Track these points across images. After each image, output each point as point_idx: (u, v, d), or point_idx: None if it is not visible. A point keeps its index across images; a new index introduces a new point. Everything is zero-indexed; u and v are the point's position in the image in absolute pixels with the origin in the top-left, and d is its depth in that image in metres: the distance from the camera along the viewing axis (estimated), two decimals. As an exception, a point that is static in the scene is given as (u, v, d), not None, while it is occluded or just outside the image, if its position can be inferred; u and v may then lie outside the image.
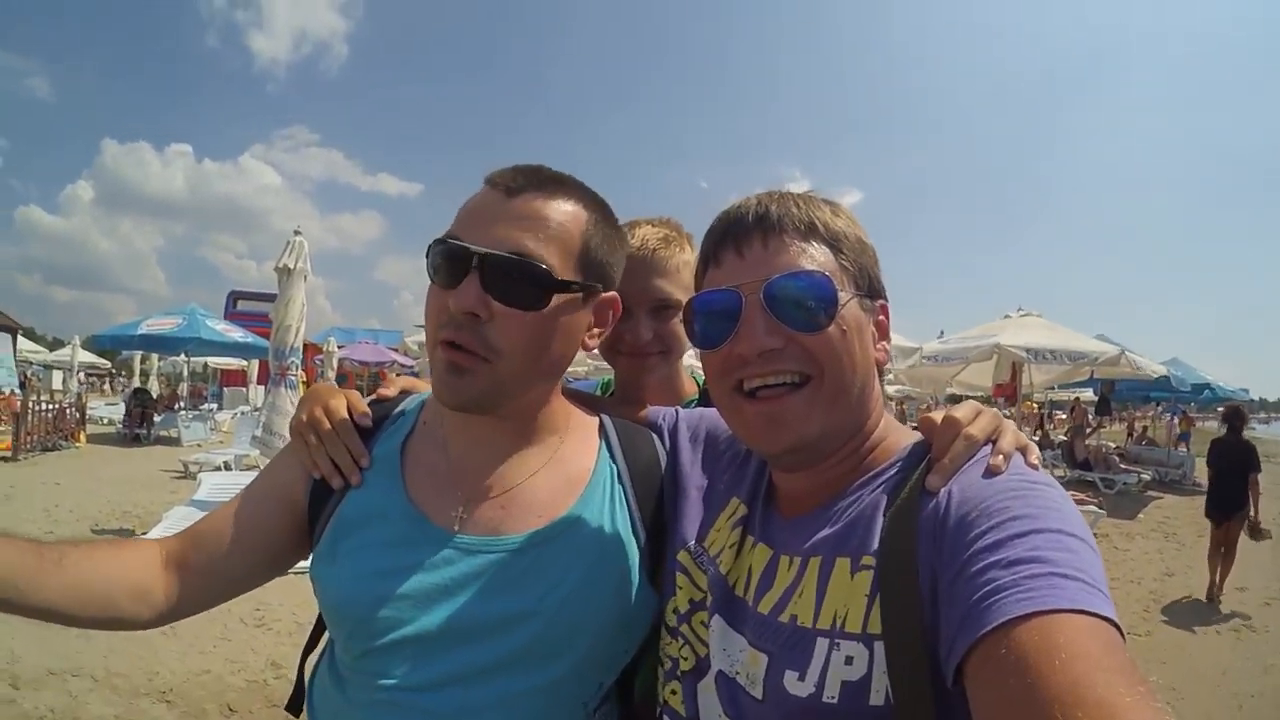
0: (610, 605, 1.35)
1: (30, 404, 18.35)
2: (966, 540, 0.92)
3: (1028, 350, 13.84)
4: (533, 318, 1.27)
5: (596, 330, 1.44)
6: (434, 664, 1.26)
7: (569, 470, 1.44)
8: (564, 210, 1.32)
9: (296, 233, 11.00)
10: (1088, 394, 29.59)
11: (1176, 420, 28.59)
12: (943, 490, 1.02)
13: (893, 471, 1.14)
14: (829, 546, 1.12)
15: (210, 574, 1.38)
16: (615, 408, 1.67)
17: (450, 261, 1.26)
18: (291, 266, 10.66)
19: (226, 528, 1.39)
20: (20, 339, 29.12)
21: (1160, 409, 32.28)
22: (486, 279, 1.24)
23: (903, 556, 0.99)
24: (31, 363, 36.27)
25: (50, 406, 19.39)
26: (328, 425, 1.45)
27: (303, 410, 1.50)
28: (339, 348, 26.06)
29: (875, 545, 1.05)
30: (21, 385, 25.77)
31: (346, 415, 1.47)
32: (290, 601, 7.58)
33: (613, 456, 1.50)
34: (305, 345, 11.45)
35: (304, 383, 11.90)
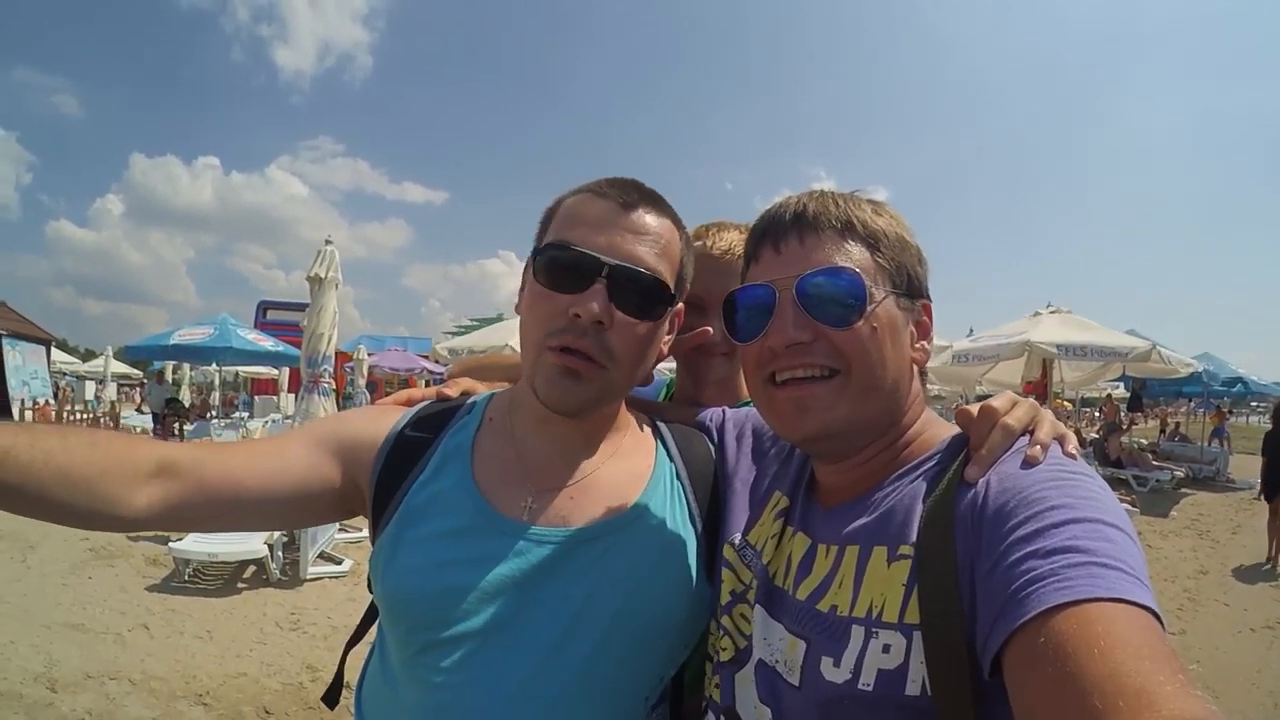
0: (675, 597, 1.37)
1: (64, 414, 18.57)
2: (1004, 530, 0.93)
3: (1058, 347, 13.70)
4: (646, 328, 1.34)
5: (668, 337, 1.49)
6: (499, 656, 1.26)
7: (632, 466, 1.47)
8: (669, 227, 1.39)
9: (328, 242, 11.04)
10: (1120, 391, 29.28)
11: (1208, 415, 28.18)
12: (980, 481, 1.03)
13: (931, 463, 1.15)
14: (866, 535, 1.13)
15: (215, 490, 1.27)
16: (668, 411, 1.72)
17: (574, 269, 1.30)
18: (323, 275, 10.72)
19: (261, 453, 1.33)
20: (54, 350, 29.37)
21: (1193, 404, 31.85)
22: (613, 289, 1.29)
23: (940, 547, 1.00)
24: (65, 374, 36.62)
25: (85, 417, 19.58)
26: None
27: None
28: (369, 355, 26.19)
29: (913, 535, 1.06)
30: (55, 396, 26.04)
31: None
32: (325, 605, 7.71)
33: (670, 455, 1.53)
34: (336, 353, 11.49)
35: (335, 391, 11.96)
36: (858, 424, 1.19)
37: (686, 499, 1.48)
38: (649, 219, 1.35)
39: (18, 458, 1.08)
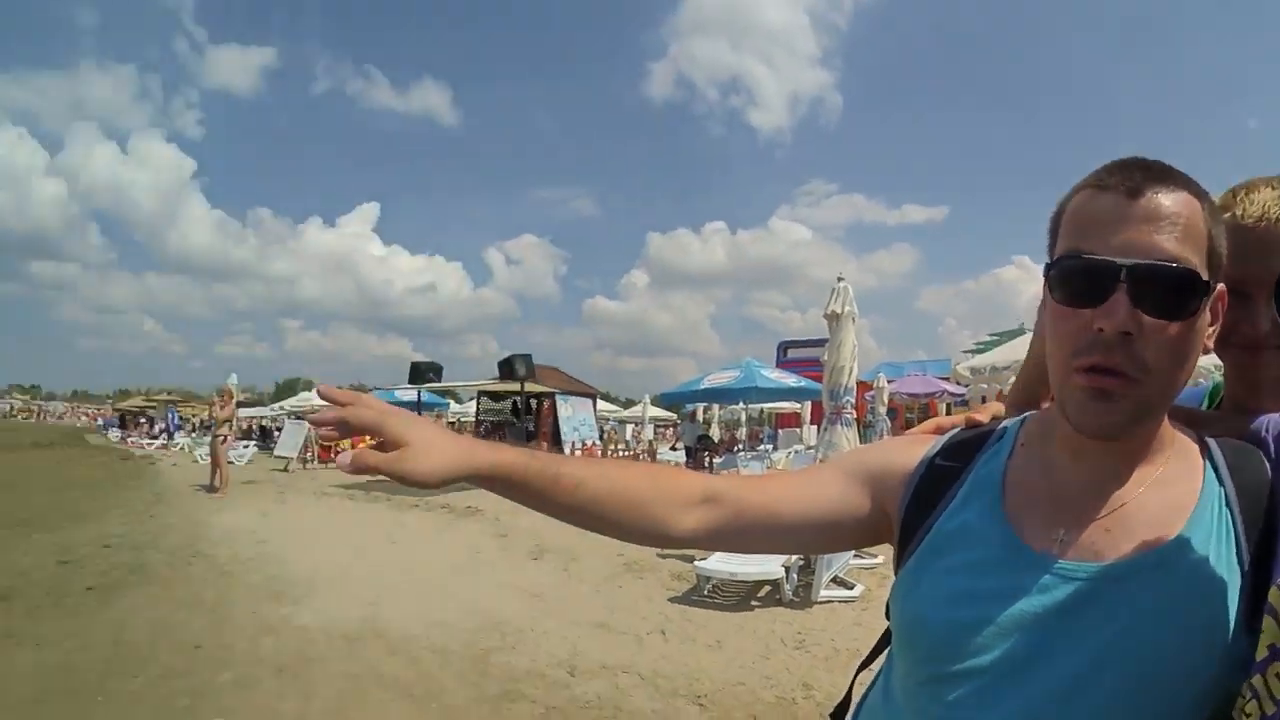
0: (1206, 649, 1.08)
1: (608, 451, 21.04)
2: None
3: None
4: (1179, 328, 1.10)
5: (1211, 330, 1.23)
6: (1003, 697, 1.13)
7: (1174, 492, 1.19)
8: (1187, 203, 1.12)
9: (840, 279, 11.52)
10: None
11: None
12: None
13: None
14: None
15: (753, 516, 1.38)
16: (1216, 423, 1.36)
17: (1089, 279, 1.10)
18: (839, 311, 11.16)
19: (793, 483, 1.43)
20: (599, 401, 33.90)
21: None
22: (1135, 292, 1.06)
23: None
24: (608, 419, 42.45)
25: (625, 453, 21.92)
26: None
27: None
28: (888, 383, 26.38)
29: None
30: (600, 437, 29.64)
31: None
32: (831, 628, 7.73)
33: (1220, 478, 1.22)
34: (857, 384, 11.78)
35: (856, 420, 12.21)
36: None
37: (1235, 531, 1.16)
38: (1162, 200, 1.09)
39: (587, 485, 1.28)
